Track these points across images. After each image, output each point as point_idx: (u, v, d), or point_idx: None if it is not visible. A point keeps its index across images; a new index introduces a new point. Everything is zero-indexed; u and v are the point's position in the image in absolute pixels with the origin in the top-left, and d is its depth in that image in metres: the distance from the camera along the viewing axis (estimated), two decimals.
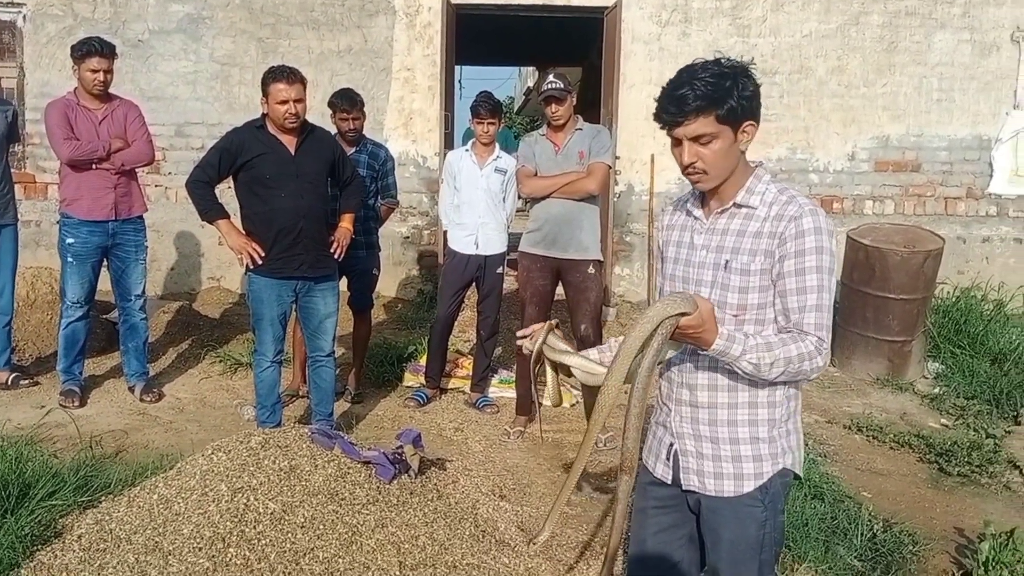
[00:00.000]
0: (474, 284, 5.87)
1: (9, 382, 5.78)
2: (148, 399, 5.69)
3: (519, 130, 23.98)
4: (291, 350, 5.89)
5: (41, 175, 8.43)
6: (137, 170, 5.76)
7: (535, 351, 2.37)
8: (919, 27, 8.68)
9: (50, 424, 5.04)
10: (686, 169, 2.22)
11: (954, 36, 8.71)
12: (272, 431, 3.91)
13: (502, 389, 6.16)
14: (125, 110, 5.62)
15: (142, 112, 5.74)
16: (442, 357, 6.00)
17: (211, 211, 4.75)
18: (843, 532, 4.02)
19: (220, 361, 6.51)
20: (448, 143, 8.75)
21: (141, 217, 5.74)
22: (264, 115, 4.74)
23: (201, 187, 4.73)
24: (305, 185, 4.73)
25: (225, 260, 8.40)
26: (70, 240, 5.47)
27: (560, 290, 5.42)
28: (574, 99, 5.24)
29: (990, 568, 3.70)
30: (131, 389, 5.80)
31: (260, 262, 4.66)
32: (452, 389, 6.22)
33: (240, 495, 3.37)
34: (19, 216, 6.03)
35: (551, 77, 5.21)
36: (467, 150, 5.78)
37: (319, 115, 5.88)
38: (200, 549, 3.16)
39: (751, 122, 2.19)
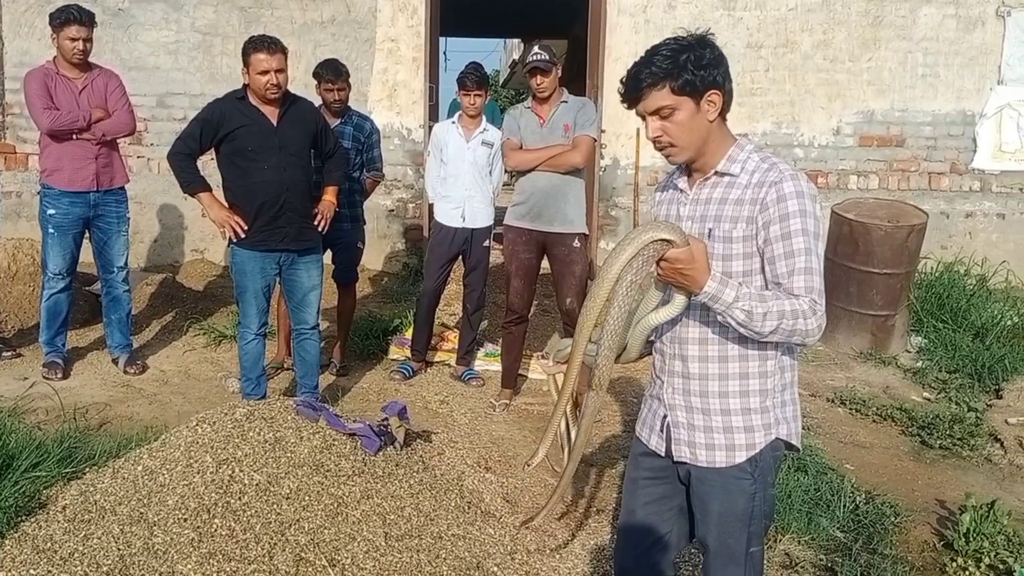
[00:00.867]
0: (460, 257, 5.85)
1: None
2: (132, 371, 5.66)
3: (505, 103, 23.89)
4: (275, 323, 5.87)
5: (22, 145, 8.33)
6: (119, 141, 5.71)
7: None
8: (904, 1, 8.67)
9: (33, 396, 5.02)
10: (654, 143, 2.25)
11: (939, 11, 8.70)
12: (257, 403, 3.90)
13: (488, 362, 6.17)
14: (105, 80, 5.55)
15: (123, 82, 5.68)
16: (428, 330, 5.99)
17: (193, 184, 4.70)
18: (826, 504, 4.06)
19: (204, 333, 6.48)
20: (433, 115, 8.71)
21: (123, 188, 5.68)
22: (245, 86, 4.69)
23: (182, 159, 4.68)
24: (288, 157, 4.69)
25: (208, 232, 8.35)
26: (51, 211, 5.42)
27: (546, 263, 5.41)
28: (559, 71, 5.20)
29: (971, 539, 3.74)
30: (115, 361, 5.77)
31: (243, 235, 4.62)
32: (438, 362, 6.21)
33: (225, 467, 3.36)
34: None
35: (536, 49, 5.17)
36: (454, 122, 5.74)
37: (303, 86, 5.84)
38: (185, 520, 3.15)
39: (714, 91, 2.20)
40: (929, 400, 5.88)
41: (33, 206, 6.68)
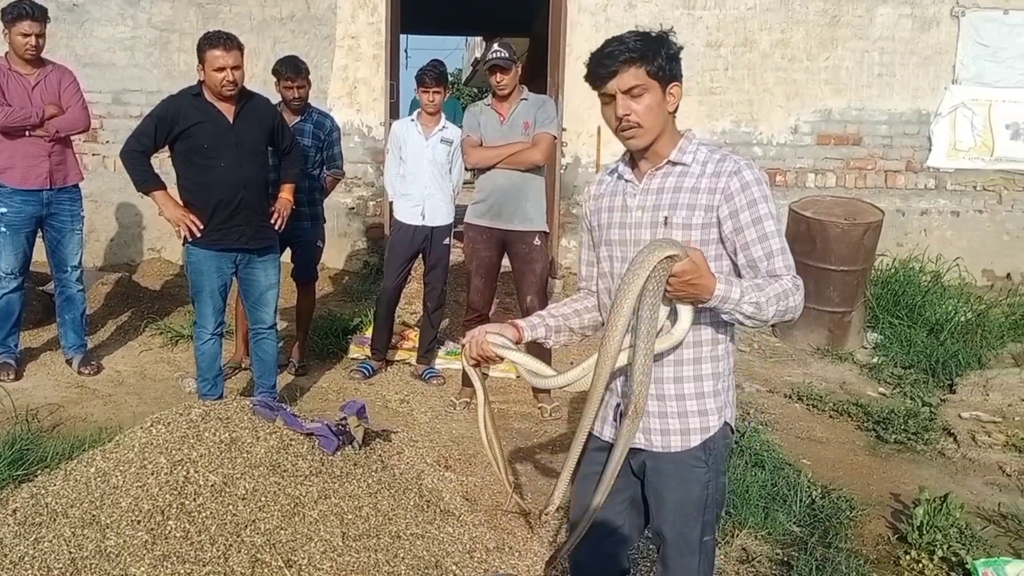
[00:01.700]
0: (421, 256, 5.83)
1: None
2: (86, 372, 5.58)
3: (467, 101, 23.83)
4: (233, 322, 5.82)
5: None
6: (72, 138, 5.63)
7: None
8: (861, 1, 8.76)
9: None
10: (620, 123, 2.26)
11: (895, 11, 8.80)
12: (213, 403, 3.85)
13: (448, 361, 6.15)
14: (59, 76, 5.47)
15: (77, 78, 5.59)
16: (388, 329, 5.96)
17: (147, 182, 4.64)
18: (782, 498, 4.10)
19: (160, 333, 6.40)
20: (393, 113, 8.66)
21: (77, 186, 5.60)
22: (200, 82, 4.63)
23: (136, 157, 4.62)
24: (244, 154, 4.64)
25: (165, 231, 8.23)
26: (3, 210, 5.32)
27: (506, 261, 5.41)
28: (519, 69, 5.20)
29: (924, 532, 3.80)
30: (69, 362, 5.68)
31: (198, 234, 4.57)
32: (398, 361, 6.19)
33: (180, 467, 3.32)
34: None
35: (496, 46, 5.16)
36: (413, 120, 5.72)
37: (261, 83, 5.78)
38: (139, 522, 3.11)
39: (676, 83, 2.28)
40: (884, 395, 5.96)
41: None
